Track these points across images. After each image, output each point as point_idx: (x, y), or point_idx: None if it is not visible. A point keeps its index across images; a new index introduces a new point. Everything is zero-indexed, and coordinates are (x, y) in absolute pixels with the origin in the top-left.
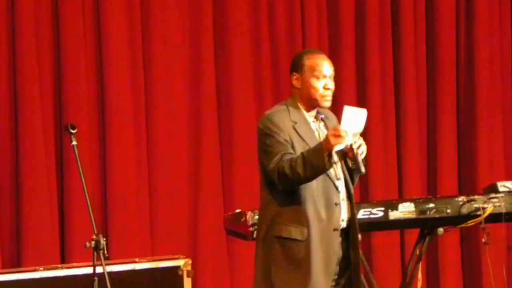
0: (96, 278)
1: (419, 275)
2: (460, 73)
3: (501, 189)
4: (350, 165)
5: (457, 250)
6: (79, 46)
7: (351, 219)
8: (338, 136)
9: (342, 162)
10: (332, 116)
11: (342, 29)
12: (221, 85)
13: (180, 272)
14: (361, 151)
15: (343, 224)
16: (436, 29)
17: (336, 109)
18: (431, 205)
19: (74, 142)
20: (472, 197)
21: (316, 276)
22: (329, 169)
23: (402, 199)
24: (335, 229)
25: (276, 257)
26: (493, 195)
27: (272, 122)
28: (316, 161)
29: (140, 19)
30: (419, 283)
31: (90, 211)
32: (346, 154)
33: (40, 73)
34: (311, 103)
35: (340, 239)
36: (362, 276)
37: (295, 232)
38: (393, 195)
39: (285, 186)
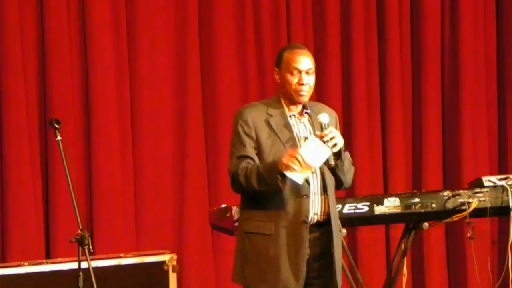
0: (81, 273)
1: (404, 270)
2: (445, 68)
3: (486, 183)
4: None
5: (442, 244)
6: (64, 42)
7: (329, 213)
8: (292, 156)
9: None
10: (326, 112)
11: (328, 25)
12: (206, 81)
13: (166, 267)
14: (333, 143)
15: (316, 218)
16: (421, 24)
17: (322, 100)
18: (416, 199)
19: (59, 137)
20: (457, 192)
21: (284, 271)
22: (283, 189)
23: (388, 194)
24: (303, 221)
25: (247, 253)
26: (478, 189)
27: (241, 116)
28: (269, 178)
29: (126, 15)
30: (405, 278)
31: (75, 206)
32: None
33: (25, 68)
34: (289, 98)
35: (317, 234)
36: (348, 272)
37: (263, 227)
38: (379, 190)
39: (238, 192)
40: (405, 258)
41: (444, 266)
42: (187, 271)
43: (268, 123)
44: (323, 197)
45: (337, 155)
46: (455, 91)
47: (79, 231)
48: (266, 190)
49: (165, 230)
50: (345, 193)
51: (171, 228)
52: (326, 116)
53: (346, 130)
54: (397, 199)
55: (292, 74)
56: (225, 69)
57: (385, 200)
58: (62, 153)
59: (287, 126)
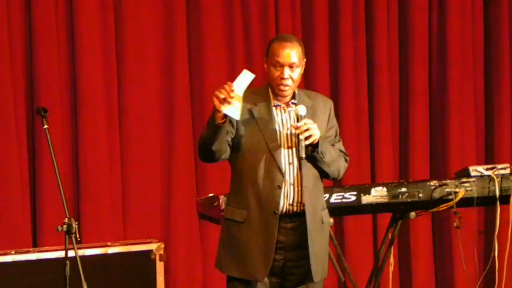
0: (68, 262)
1: (391, 259)
2: (432, 58)
3: (472, 173)
4: (310, 152)
5: (429, 234)
6: (51, 30)
7: (306, 205)
8: (221, 88)
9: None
10: (320, 101)
11: (315, 15)
12: (194, 71)
13: (153, 256)
14: (307, 135)
15: (292, 208)
16: (408, 14)
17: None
18: (403, 189)
19: (46, 126)
20: (444, 182)
21: (252, 259)
22: (221, 125)
23: (375, 183)
24: (273, 212)
25: (224, 239)
26: (464, 179)
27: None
28: (210, 119)
29: (113, 3)
30: (391, 267)
31: (62, 194)
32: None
33: (11, 56)
34: (273, 89)
35: (294, 223)
36: (334, 261)
37: (238, 214)
38: (366, 180)
39: (201, 157)
40: (392, 248)
41: (430, 255)
42: (174, 260)
43: (251, 113)
44: (298, 188)
45: (314, 147)
46: (442, 81)
47: (66, 219)
48: (208, 134)
49: (152, 219)
50: (333, 182)
51: (159, 217)
52: (303, 108)
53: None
54: (384, 189)
55: (275, 67)
56: (213, 61)
57: (372, 190)
58: (49, 142)
59: (270, 117)
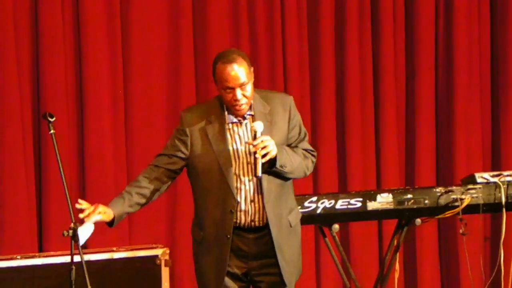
0: (73, 267)
1: (397, 266)
2: (438, 65)
3: (478, 180)
4: (267, 168)
5: (435, 240)
6: (58, 35)
7: (270, 219)
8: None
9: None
10: (277, 100)
11: (322, 22)
12: (200, 80)
13: (158, 261)
14: (264, 153)
15: (254, 224)
16: (415, 21)
17: (316, 100)
18: (409, 195)
19: (52, 131)
20: (450, 188)
21: (207, 281)
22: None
23: (380, 190)
24: (227, 236)
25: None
26: (470, 186)
27: (181, 124)
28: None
29: (120, 8)
30: (397, 274)
31: (68, 199)
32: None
33: (18, 61)
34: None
35: (257, 234)
36: (340, 267)
37: (196, 234)
38: (371, 186)
39: None
40: (398, 254)
41: (436, 262)
42: (179, 265)
43: (205, 132)
44: (259, 205)
45: (272, 162)
46: (448, 88)
47: (72, 224)
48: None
49: (157, 224)
50: (338, 188)
51: (164, 222)
52: (260, 124)
53: (340, 126)
54: (390, 195)
55: (225, 91)
56: None
57: (378, 196)
58: (56, 147)
59: (223, 137)
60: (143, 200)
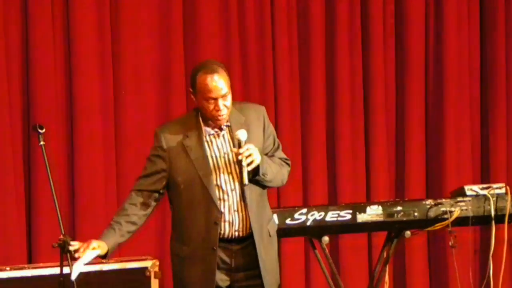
0: (63, 279)
1: (386, 278)
2: (428, 76)
3: (468, 192)
4: (251, 176)
5: (424, 253)
6: (48, 46)
7: (254, 229)
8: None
9: (240, 174)
10: (251, 111)
11: (312, 33)
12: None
13: (148, 273)
14: (249, 161)
15: (238, 233)
16: (405, 29)
17: (306, 112)
18: (399, 208)
19: (42, 142)
20: (439, 201)
21: None
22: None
23: (370, 202)
24: (213, 248)
25: (173, 273)
26: (460, 198)
27: (157, 142)
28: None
29: (110, 18)
30: (386, 286)
31: (58, 211)
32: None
33: (8, 72)
34: (207, 120)
35: (240, 245)
36: (330, 279)
37: (178, 249)
38: (361, 198)
39: None
40: (387, 266)
41: (426, 274)
42: (169, 277)
43: (182, 146)
44: (243, 213)
45: (256, 171)
46: (438, 99)
47: (61, 236)
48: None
49: (147, 235)
50: (328, 200)
51: (154, 233)
52: (243, 133)
53: (330, 138)
54: (380, 207)
55: (207, 101)
56: None
57: (368, 208)
58: (45, 158)
59: (202, 149)
60: (133, 228)
